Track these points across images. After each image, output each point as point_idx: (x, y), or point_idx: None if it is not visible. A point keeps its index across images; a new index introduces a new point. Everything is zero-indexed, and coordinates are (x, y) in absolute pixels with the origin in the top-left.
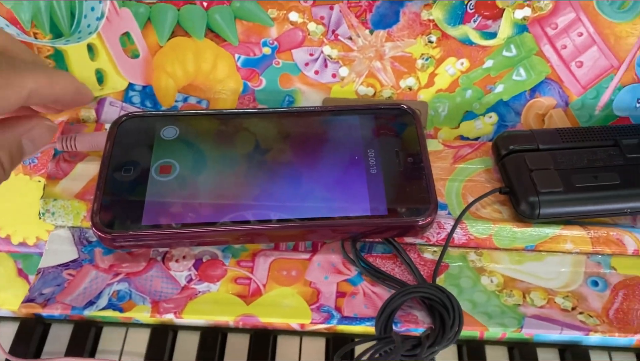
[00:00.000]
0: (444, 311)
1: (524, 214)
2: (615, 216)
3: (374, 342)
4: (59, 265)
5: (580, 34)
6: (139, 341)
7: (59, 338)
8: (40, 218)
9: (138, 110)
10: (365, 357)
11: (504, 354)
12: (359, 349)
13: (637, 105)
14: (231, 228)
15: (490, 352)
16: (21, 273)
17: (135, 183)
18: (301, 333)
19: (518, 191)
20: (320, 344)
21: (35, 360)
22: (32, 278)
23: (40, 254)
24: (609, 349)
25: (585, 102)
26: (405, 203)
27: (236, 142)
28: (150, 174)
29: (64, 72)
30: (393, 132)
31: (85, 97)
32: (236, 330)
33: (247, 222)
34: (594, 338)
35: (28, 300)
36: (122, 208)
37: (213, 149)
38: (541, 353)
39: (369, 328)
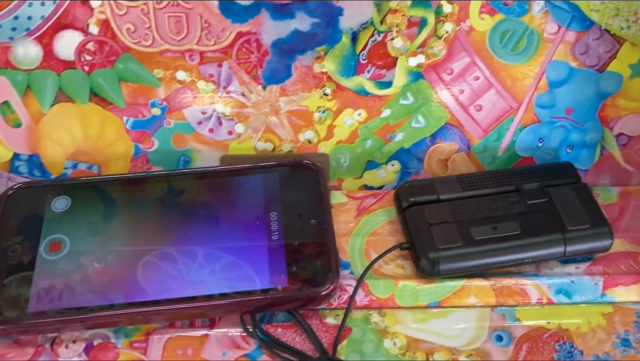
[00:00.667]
0: None
1: (424, 271)
2: (518, 266)
3: None
4: None
5: (477, 78)
6: None
7: None
8: None
9: (27, 180)
10: None
11: None
12: None
13: (539, 145)
14: (125, 311)
15: None
16: None
17: (23, 263)
18: None
19: (417, 248)
20: None
21: None
22: None
23: None
24: None
25: (487, 145)
26: (307, 272)
27: (131, 211)
28: (39, 252)
29: None
30: (296, 191)
31: None
32: None
33: (143, 303)
34: None
35: None
36: (8, 293)
37: (106, 221)
38: None
39: None
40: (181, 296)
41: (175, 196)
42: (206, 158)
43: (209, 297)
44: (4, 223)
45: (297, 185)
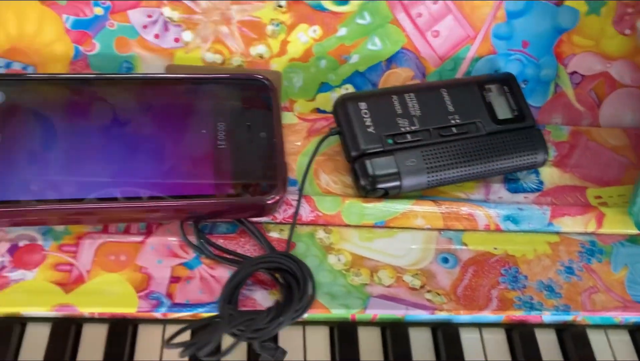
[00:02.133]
0: (292, 281)
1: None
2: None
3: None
4: None
5: (436, 2)
6: None
7: None
8: None
9: None
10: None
11: (377, 335)
12: None
13: None
14: (56, 207)
15: (363, 333)
16: None
17: None
18: (165, 321)
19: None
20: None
21: None
22: None
23: None
24: (480, 326)
25: (443, 74)
26: (253, 181)
27: (70, 110)
28: None
29: None
30: (247, 105)
31: None
32: (92, 320)
33: (74, 200)
34: (463, 316)
35: None
36: None
37: (43, 118)
38: (413, 333)
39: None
40: (118, 196)
41: (118, 99)
42: (150, 66)
43: (150, 199)
44: None
45: (248, 99)
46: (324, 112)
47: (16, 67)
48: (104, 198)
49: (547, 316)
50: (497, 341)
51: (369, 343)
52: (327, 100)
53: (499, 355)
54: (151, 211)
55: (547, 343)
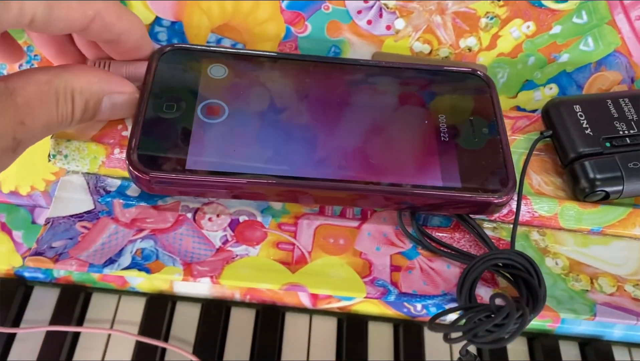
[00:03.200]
0: (529, 277)
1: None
2: None
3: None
4: (72, 216)
5: None
6: (133, 310)
7: (42, 304)
8: (49, 161)
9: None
10: (462, 323)
11: (524, 351)
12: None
13: None
14: (281, 181)
15: (510, 344)
16: (4, 227)
17: (179, 122)
18: (311, 312)
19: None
20: (331, 324)
21: (13, 329)
22: (16, 234)
23: (30, 208)
24: (630, 345)
25: None
26: (482, 178)
27: (291, 90)
28: (196, 114)
29: (132, 12)
30: (466, 99)
31: (146, 48)
32: (241, 304)
33: (297, 178)
34: (616, 334)
35: (36, 253)
36: (164, 148)
37: (265, 95)
38: (562, 346)
39: (385, 310)
40: (345, 178)
41: (338, 82)
42: (357, 52)
43: (376, 184)
44: (157, 79)
45: (467, 94)
46: (523, 110)
47: (226, 44)
48: (325, 179)
49: None
50: None
51: (517, 352)
52: (528, 98)
53: None
54: (375, 196)
55: None
